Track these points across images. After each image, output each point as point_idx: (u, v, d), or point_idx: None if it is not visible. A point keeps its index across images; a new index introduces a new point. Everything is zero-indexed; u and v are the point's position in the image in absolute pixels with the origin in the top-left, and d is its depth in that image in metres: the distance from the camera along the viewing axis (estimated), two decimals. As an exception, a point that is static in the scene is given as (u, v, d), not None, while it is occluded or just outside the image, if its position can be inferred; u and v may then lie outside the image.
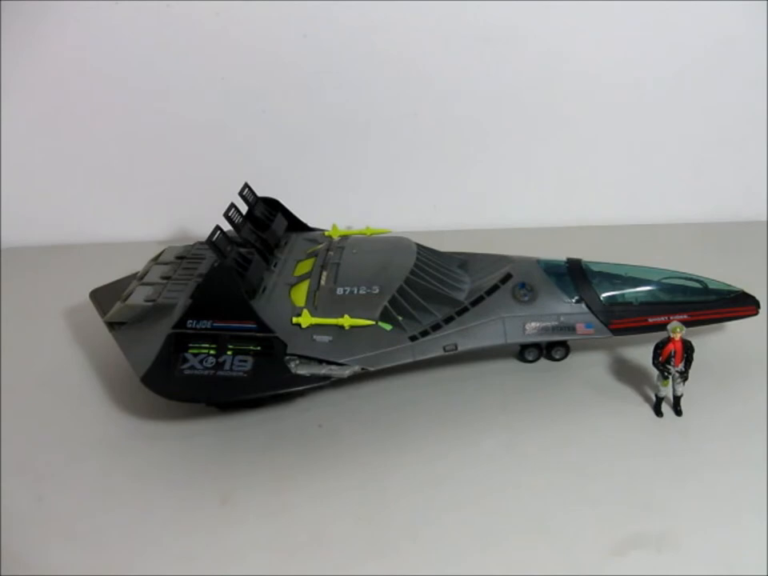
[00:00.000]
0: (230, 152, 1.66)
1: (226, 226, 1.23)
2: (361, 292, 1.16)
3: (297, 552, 0.96)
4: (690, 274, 1.23)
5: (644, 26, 1.56)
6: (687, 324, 1.12)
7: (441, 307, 1.18)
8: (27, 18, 1.53)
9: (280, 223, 1.36)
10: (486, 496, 1.03)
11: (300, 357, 1.12)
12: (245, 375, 1.10)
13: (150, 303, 1.21)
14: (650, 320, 1.19)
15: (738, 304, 1.22)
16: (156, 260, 1.35)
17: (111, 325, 1.22)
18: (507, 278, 1.21)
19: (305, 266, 1.25)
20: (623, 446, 1.09)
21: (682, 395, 1.14)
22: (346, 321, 1.12)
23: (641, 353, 1.23)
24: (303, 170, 1.69)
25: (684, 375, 1.11)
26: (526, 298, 1.19)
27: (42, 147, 1.67)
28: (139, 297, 1.23)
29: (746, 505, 0.99)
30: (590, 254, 1.27)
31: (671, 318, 1.16)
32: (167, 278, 1.27)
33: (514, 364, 1.26)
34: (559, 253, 1.27)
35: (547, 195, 1.72)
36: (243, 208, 1.31)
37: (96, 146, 1.67)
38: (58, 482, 1.07)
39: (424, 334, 1.16)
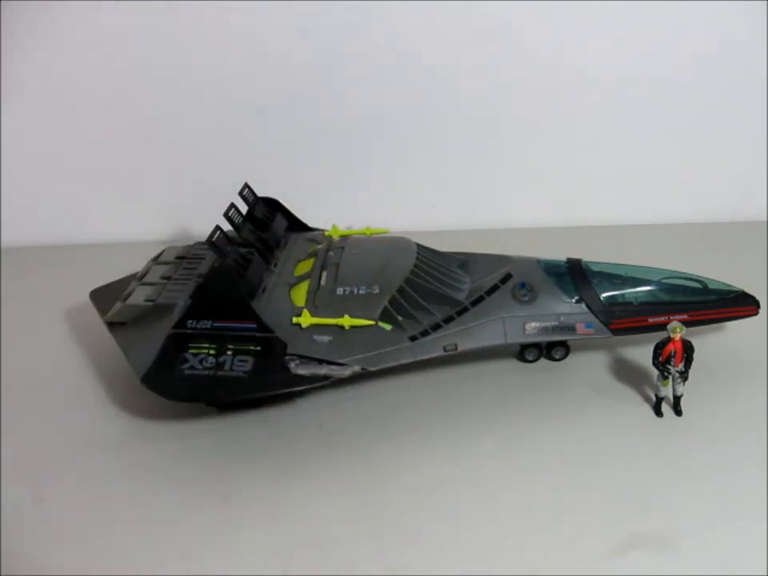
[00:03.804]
0: (230, 152, 1.66)
1: (226, 226, 1.23)
2: (361, 292, 1.16)
3: (297, 552, 0.96)
4: (689, 274, 1.23)
5: (644, 26, 1.56)
6: (687, 324, 1.12)
7: (441, 307, 1.18)
8: (27, 18, 1.53)
9: (280, 223, 1.36)
10: (485, 496, 1.03)
11: (300, 357, 1.12)
12: (245, 375, 1.10)
13: (150, 303, 1.21)
14: (650, 320, 1.19)
15: (738, 304, 1.22)
16: (156, 260, 1.35)
17: (111, 325, 1.22)
18: (507, 278, 1.21)
19: (305, 266, 1.25)
20: (623, 446, 1.09)
21: (682, 395, 1.14)
22: (346, 321, 1.12)
23: (641, 353, 1.23)
24: (303, 170, 1.69)
25: (684, 375, 1.11)
26: (526, 298, 1.19)
27: (42, 147, 1.67)
28: (139, 297, 1.23)
29: (746, 505, 0.99)
30: (590, 254, 1.27)
31: (671, 318, 1.15)
32: (167, 278, 1.27)
33: (513, 364, 1.26)
34: (559, 253, 1.27)
35: (547, 195, 1.72)
36: (243, 208, 1.31)
37: (96, 145, 1.66)
38: (58, 482, 1.07)
39: (424, 333, 1.16)
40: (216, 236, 1.17)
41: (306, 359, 1.12)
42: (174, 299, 1.20)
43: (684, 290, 1.22)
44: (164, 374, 1.11)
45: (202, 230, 1.27)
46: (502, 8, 1.53)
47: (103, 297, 1.31)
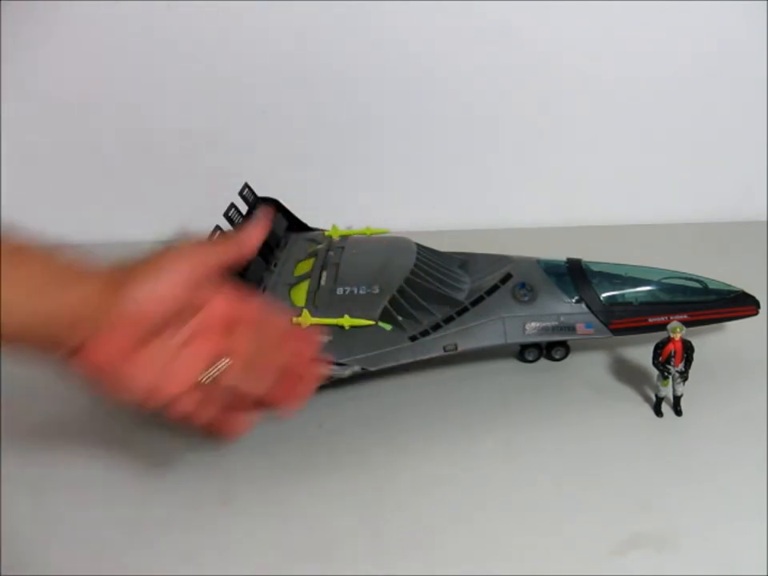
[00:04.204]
0: (230, 152, 1.66)
1: (226, 226, 1.23)
2: (361, 292, 1.16)
3: (297, 552, 0.96)
4: (689, 274, 1.23)
5: (644, 25, 1.56)
6: (687, 324, 1.12)
7: (441, 307, 1.18)
8: (27, 17, 1.53)
9: (280, 223, 1.36)
10: (485, 496, 1.03)
11: (300, 357, 1.12)
12: (245, 375, 1.10)
13: (149, 303, 1.21)
14: (650, 320, 1.19)
15: (738, 304, 1.21)
16: (156, 260, 1.35)
17: (111, 325, 1.22)
18: (507, 278, 1.21)
19: (305, 266, 1.25)
20: (623, 446, 1.10)
21: (682, 395, 1.14)
22: (346, 321, 1.12)
23: (641, 353, 1.23)
24: (303, 170, 1.69)
25: (684, 375, 1.11)
26: (526, 298, 1.19)
27: (42, 147, 1.67)
28: (139, 297, 1.23)
29: (746, 505, 0.99)
30: (590, 254, 1.27)
31: (671, 318, 1.15)
32: (167, 277, 1.27)
33: (513, 364, 1.26)
34: (559, 253, 1.27)
35: (547, 195, 1.72)
36: (243, 208, 1.31)
37: (96, 145, 1.67)
38: (57, 482, 1.07)
39: (424, 333, 1.16)
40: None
41: (305, 359, 1.12)
42: (173, 299, 1.20)
43: (684, 289, 1.22)
44: (164, 374, 1.10)
45: (202, 229, 1.27)
46: (501, 8, 1.53)
47: (103, 297, 1.31)
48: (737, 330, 1.28)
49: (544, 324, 1.18)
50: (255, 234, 0.90)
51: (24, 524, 1.01)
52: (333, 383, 1.12)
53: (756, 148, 1.67)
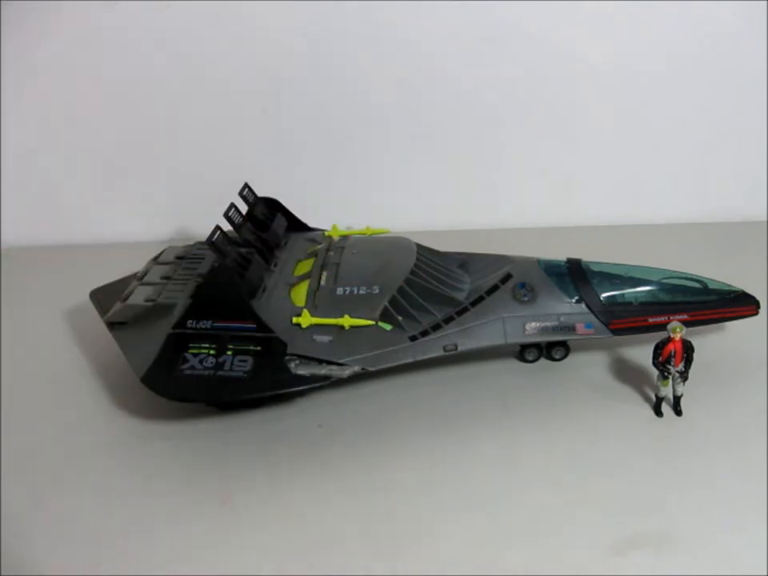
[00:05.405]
0: (230, 152, 1.66)
1: (226, 226, 1.23)
2: (361, 292, 1.16)
3: (297, 552, 0.96)
4: (689, 274, 1.23)
5: (645, 26, 1.56)
6: (687, 324, 1.12)
7: (441, 307, 1.18)
8: (27, 17, 1.53)
9: (280, 223, 1.36)
10: (485, 496, 1.03)
11: (300, 357, 1.12)
12: (245, 375, 1.10)
13: (150, 303, 1.21)
14: (650, 320, 1.19)
15: (738, 304, 1.22)
16: (156, 260, 1.35)
17: (111, 325, 1.22)
18: (507, 277, 1.21)
19: (305, 266, 1.25)
20: (623, 446, 1.09)
21: (682, 395, 1.14)
22: (346, 321, 1.12)
23: (641, 353, 1.23)
24: (303, 170, 1.69)
25: (684, 375, 1.11)
26: (526, 298, 1.19)
27: (42, 147, 1.67)
28: (139, 297, 1.23)
29: (746, 504, 0.99)
30: (590, 254, 1.27)
31: (671, 318, 1.15)
32: (167, 278, 1.27)
33: (513, 364, 1.26)
34: (559, 253, 1.27)
35: (547, 195, 1.72)
36: (243, 208, 1.31)
37: (96, 145, 1.67)
38: (57, 482, 1.07)
39: (424, 333, 1.16)
40: (216, 236, 1.17)
41: (306, 359, 1.12)
42: (174, 299, 1.20)
43: (684, 289, 1.22)
44: (164, 374, 1.11)
45: (202, 229, 1.27)
46: (501, 8, 1.53)
47: (103, 297, 1.31)
48: (737, 330, 1.28)
49: (544, 324, 1.19)
50: None
51: (24, 524, 1.01)
52: (333, 383, 1.12)
53: (756, 148, 1.67)
